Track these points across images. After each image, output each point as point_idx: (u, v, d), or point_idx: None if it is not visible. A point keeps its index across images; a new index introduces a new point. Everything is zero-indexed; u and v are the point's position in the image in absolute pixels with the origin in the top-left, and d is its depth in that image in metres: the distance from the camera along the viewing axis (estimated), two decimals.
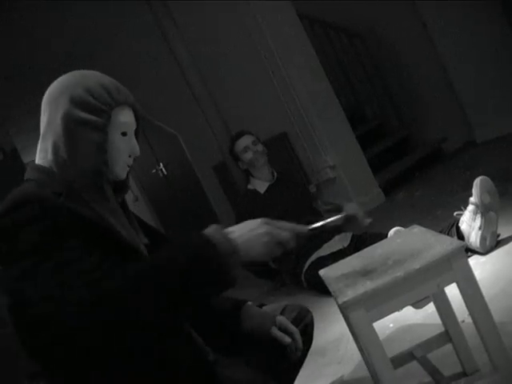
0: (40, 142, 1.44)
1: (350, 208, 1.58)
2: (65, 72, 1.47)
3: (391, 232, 2.76)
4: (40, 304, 1.11)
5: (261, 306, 1.82)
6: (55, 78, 1.48)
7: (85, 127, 1.37)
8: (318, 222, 3.85)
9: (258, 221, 1.37)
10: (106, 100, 1.39)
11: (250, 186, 3.76)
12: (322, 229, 1.54)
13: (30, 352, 1.13)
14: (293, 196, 3.68)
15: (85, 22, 5.77)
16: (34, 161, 1.46)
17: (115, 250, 1.32)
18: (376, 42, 6.42)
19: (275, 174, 3.77)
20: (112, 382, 1.24)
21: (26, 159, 7.21)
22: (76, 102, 1.37)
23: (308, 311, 1.88)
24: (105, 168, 1.40)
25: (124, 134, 1.44)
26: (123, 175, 1.47)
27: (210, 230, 1.26)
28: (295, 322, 1.78)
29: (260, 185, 3.71)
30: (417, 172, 5.67)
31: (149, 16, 4.73)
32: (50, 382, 1.31)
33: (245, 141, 3.71)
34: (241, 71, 5.45)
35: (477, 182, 2.64)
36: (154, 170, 7.39)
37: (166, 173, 7.36)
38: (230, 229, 1.32)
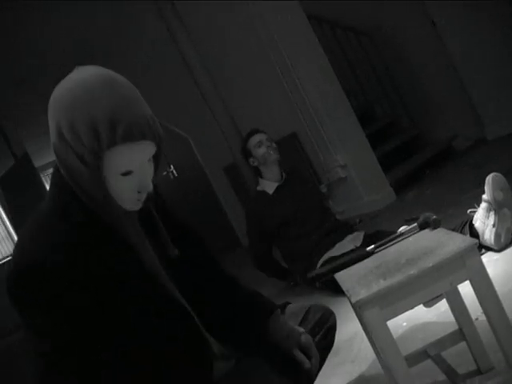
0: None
1: (423, 217, 1.60)
2: None
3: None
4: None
5: (285, 304, 1.81)
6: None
7: (73, 171, 1.23)
8: (328, 220, 3.84)
9: None
10: (92, 146, 1.18)
11: (258, 188, 3.78)
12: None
13: None
14: (302, 195, 3.68)
15: (93, 24, 5.80)
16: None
17: (133, 282, 1.33)
18: (384, 40, 6.40)
19: (284, 174, 3.77)
20: None
21: (37, 163, 7.25)
22: (62, 137, 1.21)
23: (332, 313, 1.85)
24: (110, 205, 1.27)
25: (126, 173, 1.24)
26: (136, 208, 1.33)
27: None
28: (318, 323, 1.77)
29: (269, 186, 3.71)
30: (427, 170, 5.65)
31: (157, 17, 4.74)
32: None
33: (259, 137, 3.73)
34: (250, 72, 5.45)
35: (489, 179, 2.62)
36: (164, 172, 7.41)
37: (176, 175, 7.38)
38: None
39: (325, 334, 1.78)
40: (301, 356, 1.59)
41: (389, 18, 6.20)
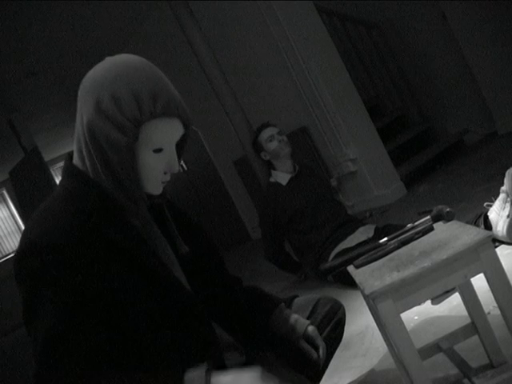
0: (75, 140, 1.31)
1: (436, 209, 1.60)
2: (84, 71, 1.38)
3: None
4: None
5: (294, 297, 1.81)
6: (74, 76, 1.45)
7: (108, 143, 1.22)
8: (340, 213, 3.82)
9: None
10: (134, 115, 1.21)
11: (271, 179, 3.76)
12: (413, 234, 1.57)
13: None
14: (314, 188, 3.67)
15: (106, 20, 5.81)
16: (70, 156, 1.36)
17: (141, 274, 1.29)
18: (395, 33, 6.38)
19: (297, 166, 3.76)
20: None
21: (46, 157, 7.28)
22: (101, 110, 1.22)
23: (341, 305, 1.85)
24: (134, 186, 1.27)
25: (158, 150, 1.27)
26: (157, 192, 1.34)
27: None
28: (327, 316, 1.77)
29: (282, 177, 3.70)
30: (438, 164, 5.63)
31: (169, 14, 4.74)
32: None
33: (270, 131, 3.72)
34: (261, 66, 5.45)
35: (510, 171, 2.61)
36: None
37: (186, 168, 7.39)
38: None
39: (334, 327, 1.78)
40: (307, 347, 1.62)
41: (399, 11, 6.18)
